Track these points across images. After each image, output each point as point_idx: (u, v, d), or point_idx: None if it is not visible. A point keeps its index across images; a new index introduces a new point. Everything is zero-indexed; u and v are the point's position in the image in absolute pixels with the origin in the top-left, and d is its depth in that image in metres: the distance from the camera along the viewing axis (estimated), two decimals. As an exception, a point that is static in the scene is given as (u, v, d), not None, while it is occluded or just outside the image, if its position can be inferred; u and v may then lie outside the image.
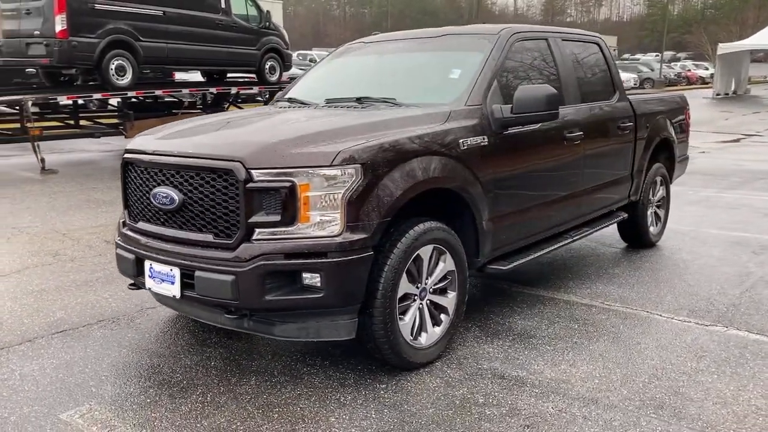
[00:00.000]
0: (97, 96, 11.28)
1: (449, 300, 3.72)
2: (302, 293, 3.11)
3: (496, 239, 4.03)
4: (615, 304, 4.58)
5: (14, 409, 3.15)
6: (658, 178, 6.20)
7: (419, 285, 3.53)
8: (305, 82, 4.95)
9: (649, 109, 5.88)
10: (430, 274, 3.59)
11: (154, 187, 3.41)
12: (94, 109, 14.00)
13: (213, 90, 13.24)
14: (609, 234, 6.31)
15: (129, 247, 3.60)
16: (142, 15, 11.41)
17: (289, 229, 3.09)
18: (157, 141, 3.59)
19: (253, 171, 3.08)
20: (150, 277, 3.45)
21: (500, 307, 4.52)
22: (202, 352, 3.80)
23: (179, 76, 18.08)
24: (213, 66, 13.51)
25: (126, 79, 11.34)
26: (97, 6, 10.73)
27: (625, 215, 5.65)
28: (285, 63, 14.52)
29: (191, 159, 3.27)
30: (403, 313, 3.45)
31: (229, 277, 3.09)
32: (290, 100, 4.69)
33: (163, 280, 3.37)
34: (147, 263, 3.45)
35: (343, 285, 3.11)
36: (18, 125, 10.64)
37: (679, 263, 5.61)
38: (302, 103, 4.52)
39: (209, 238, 3.23)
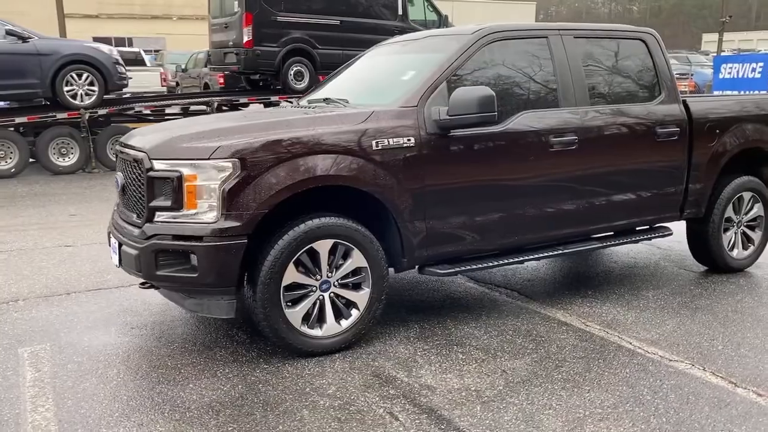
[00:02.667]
0: (274, 99, 12.71)
1: (360, 296, 3.82)
2: (183, 272, 3.51)
3: (434, 243, 3.98)
4: (595, 326, 4.18)
5: (2, 340, 4.04)
6: (747, 194, 5.34)
7: (318, 277, 3.70)
8: (328, 79, 5.29)
9: (719, 113, 5.11)
10: (336, 267, 3.74)
11: (117, 172, 4.08)
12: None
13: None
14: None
15: (110, 223, 4.32)
16: (320, 25, 12.56)
17: (178, 213, 3.51)
18: (129, 135, 4.26)
19: (153, 161, 3.56)
20: (111, 247, 4.13)
21: (466, 313, 4.41)
22: (174, 318, 4.37)
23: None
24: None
25: (303, 83, 12.60)
26: (279, 18, 12.10)
27: (669, 233, 5.00)
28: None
29: (129, 150, 3.86)
30: (295, 301, 3.66)
31: (135, 252, 3.63)
32: (299, 98, 5.08)
33: (114, 252, 4.02)
34: (110, 237, 4.14)
35: (214, 267, 3.45)
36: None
37: (738, 293, 4.82)
38: (299, 102, 4.90)
39: (133, 217, 3.79)
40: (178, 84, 21.61)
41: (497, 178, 4.16)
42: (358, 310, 3.83)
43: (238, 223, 3.43)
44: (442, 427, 2.97)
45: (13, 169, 10.36)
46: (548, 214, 4.35)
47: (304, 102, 4.85)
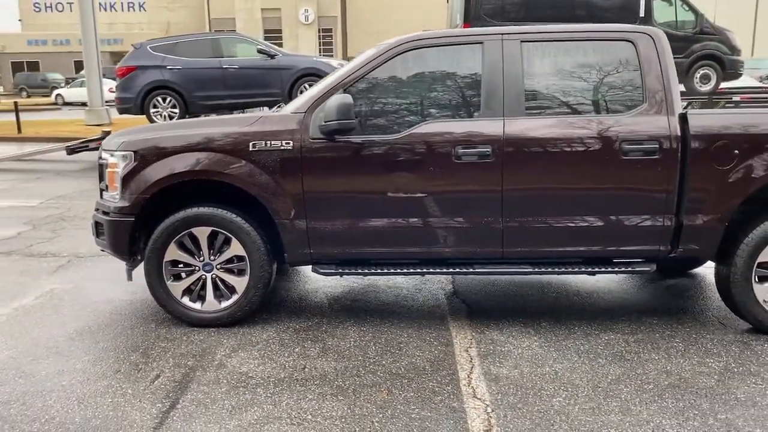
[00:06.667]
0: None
1: (238, 281, 4.26)
2: (103, 240, 4.43)
3: (318, 244, 4.17)
4: (472, 353, 3.86)
5: (9, 277, 5.49)
6: (803, 235, 4.11)
7: (202, 259, 4.26)
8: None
9: (742, 130, 4.04)
10: (218, 252, 4.26)
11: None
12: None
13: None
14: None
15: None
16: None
17: (108, 193, 4.44)
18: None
19: (102, 151, 4.56)
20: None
21: (379, 319, 4.42)
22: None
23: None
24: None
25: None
26: (498, 28, 12.22)
27: (646, 269, 4.16)
28: (727, 70, 12.80)
29: (106, 143, 4.92)
30: (177, 276, 4.29)
31: (91, 222, 4.68)
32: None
33: (97, 222, 5.12)
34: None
35: (110, 238, 4.31)
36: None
37: (736, 359, 3.84)
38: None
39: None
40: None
41: (389, 186, 4.12)
42: (237, 294, 4.27)
43: (127, 204, 4.22)
44: (171, 395, 3.35)
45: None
46: (457, 228, 4.13)
47: None
